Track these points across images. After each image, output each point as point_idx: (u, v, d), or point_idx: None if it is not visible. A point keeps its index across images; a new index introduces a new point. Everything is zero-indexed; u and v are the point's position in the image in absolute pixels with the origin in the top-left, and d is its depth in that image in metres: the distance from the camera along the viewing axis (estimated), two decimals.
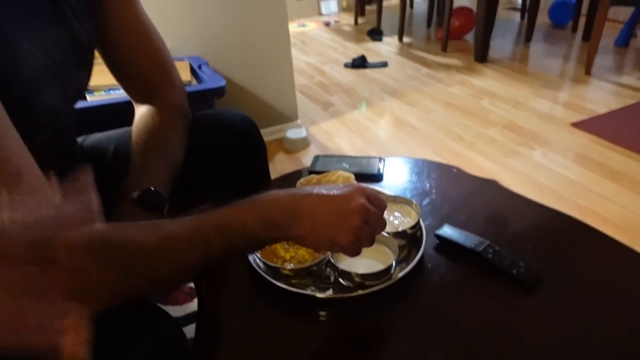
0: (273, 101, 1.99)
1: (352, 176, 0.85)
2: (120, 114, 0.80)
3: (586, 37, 3.03)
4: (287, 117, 2.06)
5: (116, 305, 0.44)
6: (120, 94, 1.32)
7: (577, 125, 2.01)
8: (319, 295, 0.66)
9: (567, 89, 2.40)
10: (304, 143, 1.99)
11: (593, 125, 1.99)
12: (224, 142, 0.84)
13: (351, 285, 0.66)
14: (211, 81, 1.45)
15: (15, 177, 0.40)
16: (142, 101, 0.77)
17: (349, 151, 1.94)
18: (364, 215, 0.54)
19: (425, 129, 2.07)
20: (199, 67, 1.59)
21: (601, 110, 2.12)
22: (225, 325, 0.65)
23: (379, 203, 0.57)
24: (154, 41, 0.75)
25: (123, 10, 0.70)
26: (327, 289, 0.67)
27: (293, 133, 1.98)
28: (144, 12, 0.74)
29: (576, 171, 1.68)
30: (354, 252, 0.56)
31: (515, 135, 1.96)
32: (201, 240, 0.50)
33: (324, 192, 0.56)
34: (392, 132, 2.07)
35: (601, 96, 2.27)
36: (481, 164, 1.76)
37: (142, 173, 0.68)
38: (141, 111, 0.76)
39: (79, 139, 0.82)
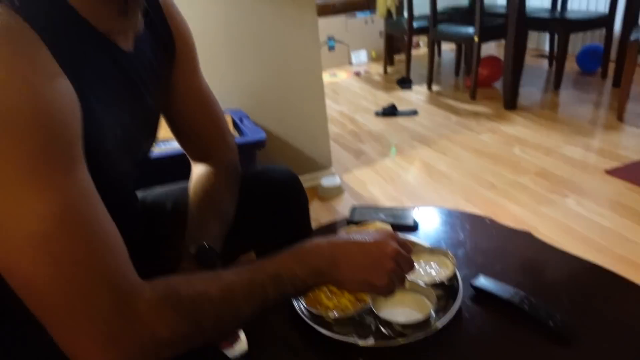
0: (308, 150, 2.08)
1: (389, 227, 0.89)
2: (172, 165, 0.89)
3: (616, 83, 3.04)
4: (322, 165, 2.14)
5: (184, 354, 0.50)
6: (171, 147, 1.42)
7: (611, 172, 2.00)
8: (361, 343, 0.69)
9: (599, 136, 2.40)
10: (337, 191, 2.05)
11: (628, 172, 1.98)
12: (270, 197, 0.90)
13: (392, 334, 0.69)
14: (252, 134, 1.55)
15: (103, 240, 0.46)
16: (199, 160, 0.85)
17: (382, 198, 1.99)
18: (396, 258, 0.61)
19: (457, 177, 2.10)
20: (240, 120, 1.70)
21: (636, 157, 2.11)
22: None
23: (407, 247, 0.64)
24: (213, 108, 0.84)
25: (188, 83, 0.79)
26: (368, 336, 0.71)
27: (327, 181, 2.05)
28: (205, 82, 0.83)
29: (612, 219, 1.67)
30: (389, 292, 0.63)
31: (548, 183, 1.97)
32: (257, 289, 0.55)
33: (360, 238, 0.63)
34: (423, 180, 2.12)
35: (635, 142, 2.26)
36: (514, 212, 1.77)
37: (199, 230, 0.74)
38: (198, 170, 0.84)
39: (140, 194, 0.90)
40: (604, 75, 3.27)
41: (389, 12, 3.68)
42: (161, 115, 0.79)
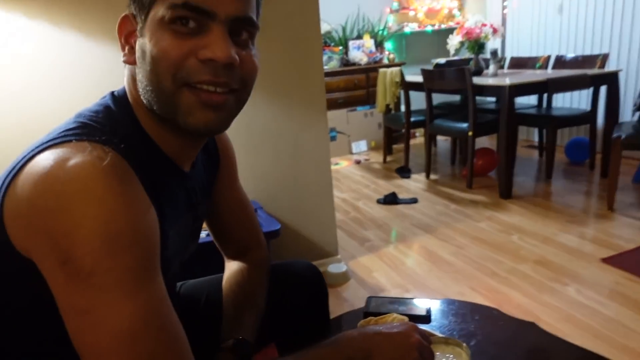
0: (316, 238, 2.18)
1: (407, 319, 0.96)
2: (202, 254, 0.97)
3: (604, 174, 3.23)
4: (328, 253, 2.22)
5: None
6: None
7: (607, 260, 2.09)
8: None
9: (592, 225, 2.52)
10: (344, 277, 2.11)
11: (623, 261, 2.07)
12: (294, 290, 0.98)
13: None
14: (267, 225, 1.65)
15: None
16: (234, 257, 0.94)
17: (387, 285, 2.04)
18: (420, 349, 0.70)
19: (459, 264, 2.18)
20: (255, 211, 1.81)
21: (629, 245, 2.21)
22: None
23: (428, 339, 0.74)
24: (249, 213, 0.95)
25: (229, 191, 0.90)
26: None
27: (334, 268, 2.12)
28: (242, 189, 0.95)
29: (612, 308, 1.73)
30: None
31: (548, 271, 2.04)
32: None
33: (386, 330, 0.71)
34: (427, 267, 2.19)
35: (627, 232, 2.37)
36: (518, 301, 1.83)
37: (235, 323, 0.82)
38: (232, 267, 0.93)
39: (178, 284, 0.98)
40: (592, 166, 3.46)
41: (387, 108, 3.96)
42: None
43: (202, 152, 0.80)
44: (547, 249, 2.26)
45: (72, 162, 0.51)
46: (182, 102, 0.58)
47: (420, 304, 1.08)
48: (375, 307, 1.10)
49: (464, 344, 0.87)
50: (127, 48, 0.62)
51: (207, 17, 0.55)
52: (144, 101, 0.61)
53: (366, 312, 1.08)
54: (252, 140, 1.98)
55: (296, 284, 0.99)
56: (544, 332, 0.98)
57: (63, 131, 0.56)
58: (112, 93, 0.66)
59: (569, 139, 3.85)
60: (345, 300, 1.94)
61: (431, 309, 1.07)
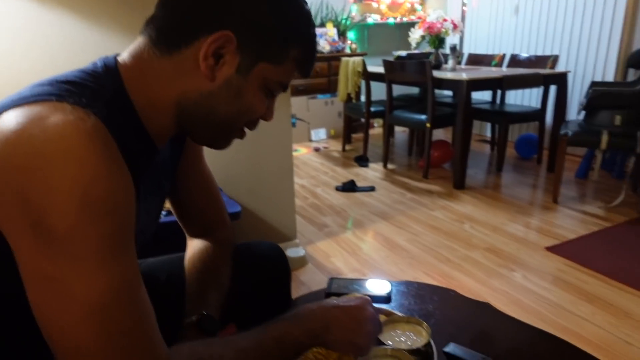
0: (275, 222, 2.17)
1: (368, 298, 0.97)
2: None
3: (550, 168, 3.40)
4: (287, 237, 2.21)
5: None
6: None
7: (551, 249, 2.21)
8: None
9: (538, 216, 2.65)
10: (302, 262, 2.12)
11: (565, 250, 2.20)
12: (257, 270, 0.97)
13: None
14: (227, 207, 1.61)
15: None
16: (197, 236, 0.92)
17: (345, 270, 2.07)
18: (373, 321, 0.73)
19: (415, 251, 2.24)
20: None
21: (571, 235, 2.35)
22: None
23: (378, 312, 0.78)
24: (214, 191, 0.92)
25: (194, 169, 0.88)
26: None
27: (292, 252, 2.12)
28: (207, 165, 0.92)
29: (555, 293, 1.83)
30: (367, 352, 0.73)
31: (497, 258, 2.14)
32: (265, 352, 0.62)
33: (343, 304, 0.73)
34: (384, 253, 2.23)
35: (569, 223, 2.52)
36: (470, 286, 1.91)
37: (199, 300, 0.80)
38: (196, 245, 0.90)
39: None
40: (539, 161, 3.64)
41: (348, 97, 3.98)
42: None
43: None
44: (497, 237, 2.36)
45: (51, 120, 0.47)
46: (230, 137, 0.69)
47: (381, 285, 1.10)
48: (336, 288, 1.11)
49: (424, 323, 0.90)
50: (209, 59, 0.59)
51: (282, 92, 0.67)
52: (192, 105, 0.61)
53: (328, 293, 1.09)
54: None
55: (260, 264, 0.98)
56: (498, 312, 1.03)
57: (38, 91, 0.52)
58: (102, 60, 0.62)
59: (518, 135, 4.02)
60: (302, 284, 1.95)
61: (391, 290, 1.09)
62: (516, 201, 2.87)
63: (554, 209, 2.72)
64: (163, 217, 1.56)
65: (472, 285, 1.91)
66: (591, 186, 3.14)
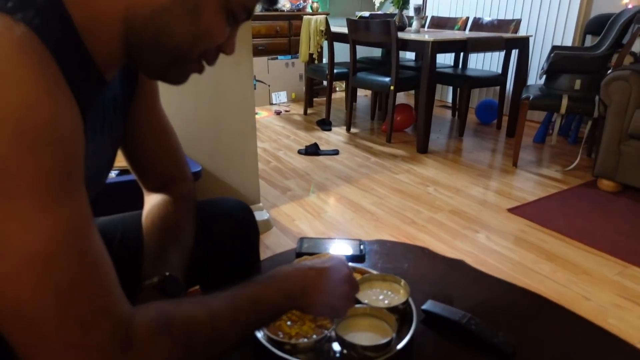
0: (237, 185, 2.07)
1: (343, 258, 0.92)
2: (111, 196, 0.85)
3: (509, 133, 3.46)
4: (250, 201, 2.13)
5: None
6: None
7: (512, 210, 2.25)
8: None
9: (499, 179, 2.69)
10: (266, 225, 2.05)
11: (526, 211, 2.24)
12: (224, 227, 0.90)
13: (355, 356, 0.71)
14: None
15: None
16: (155, 190, 0.82)
17: (310, 233, 2.02)
18: (349, 281, 0.71)
19: (380, 213, 2.22)
20: None
21: (530, 197, 2.40)
22: None
23: (353, 271, 0.76)
24: (171, 139, 0.83)
25: (149, 114, 0.77)
26: None
27: (256, 215, 2.04)
28: (163, 111, 0.82)
29: (517, 252, 1.86)
30: (344, 314, 0.72)
31: (461, 220, 2.15)
32: (241, 314, 0.56)
33: (319, 265, 0.69)
34: (349, 216, 2.20)
35: (528, 185, 2.57)
36: (435, 247, 1.91)
37: (160, 260, 0.72)
38: (154, 200, 0.81)
39: None
40: (499, 126, 3.69)
41: (311, 57, 3.86)
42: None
43: None
44: (460, 200, 2.38)
45: None
46: (185, 69, 0.58)
47: (353, 244, 1.06)
48: (307, 248, 1.05)
49: (402, 280, 0.86)
50: None
51: (245, 19, 0.56)
52: (141, 23, 0.50)
53: (298, 253, 1.03)
54: None
55: (225, 222, 0.91)
56: (472, 268, 1.00)
57: None
58: None
59: (479, 101, 4.05)
60: (267, 248, 1.89)
61: (364, 249, 1.04)
62: (478, 165, 2.90)
63: (514, 173, 2.77)
64: (116, 177, 1.45)
65: (437, 246, 1.91)
66: (548, 151, 3.21)
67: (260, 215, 2.05)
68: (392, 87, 3.12)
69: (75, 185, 0.43)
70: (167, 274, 0.69)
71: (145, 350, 0.45)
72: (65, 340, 0.40)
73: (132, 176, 0.85)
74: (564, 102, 2.59)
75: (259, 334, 0.75)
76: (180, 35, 0.52)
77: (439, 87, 4.69)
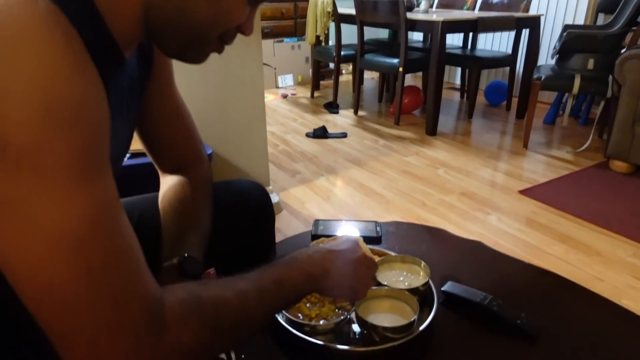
0: (247, 168, 2.06)
1: (359, 239, 0.91)
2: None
3: (519, 115, 3.41)
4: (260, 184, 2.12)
5: None
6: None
7: (523, 192, 2.22)
8: (360, 349, 0.70)
9: (509, 161, 2.66)
10: (276, 208, 2.04)
11: (537, 193, 2.22)
12: (239, 209, 0.89)
13: (376, 338, 0.71)
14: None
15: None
16: (171, 172, 0.81)
17: (320, 216, 2.01)
18: (367, 263, 0.70)
19: (390, 196, 2.21)
20: None
21: (542, 179, 2.37)
22: None
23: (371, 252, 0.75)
24: (187, 120, 0.81)
25: (164, 95, 0.76)
26: (349, 344, 0.72)
27: None
28: (178, 92, 0.80)
29: (530, 234, 1.85)
30: (364, 296, 0.71)
31: (472, 202, 2.13)
32: (266, 295, 0.56)
33: (336, 247, 0.69)
34: (359, 199, 2.19)
35: (539, 167, 2.54)
36: (446, 229, 1.89)
37: (178, 242, 0.71)
38: (170, 181, 0.80)
39: None
40: (508, 108, 3.64)
41: (317, 40, 3.80)
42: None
43: None
44: (470, 182, 2.36)
45: None
46: (204, 48, 0.55)
47: (371, 225, 1.04)
48: (323, 230, 1.04)
49: (422, 262, 0.85)
50: None
51: None
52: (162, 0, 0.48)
53: (314, 235, 1.02)
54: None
55: (241, 204, 0.90)
56: (491, 249, 0.99)
57: None
58: None
59: (487, 83, 4.00)
60: (278, 231, 1.86)
61: (381, 230, 1.03)
62: (487, 147, 2.87)
63: (524, 154, 2.74)
64: (128, 160, 1.44)
65: (449, 228, 1.89)
66: (559, 132, 3.17)
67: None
68: (400, 69, 3.07)
69: (104, 165, 0.42)
70: (186, 255, 0.69)
71: (178, 330, 0.44)
72: (99, 321, 0.40)
73: (145, 159, 0.84)
74: (577, 82, 2.54)
75: (279, 316, 0.75)
76: (201, 14, 0.50)
77: (447, 68, 4.62)
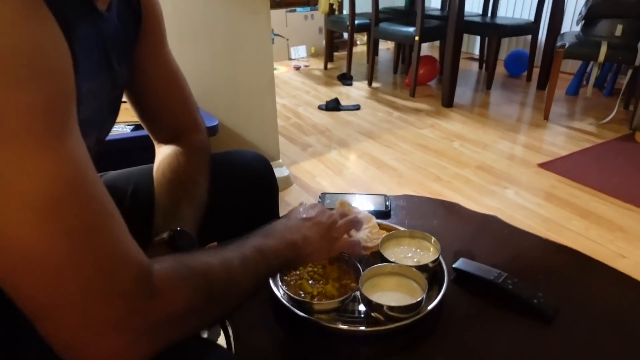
0: (256, 141, 2.02)
1: (373, 218, 0.86)
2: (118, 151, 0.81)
3: (540, 86, 3.28)
4: (270, 157, 2.08)
5: (197, 334, 0.47)
6: (117, 132, 1.32)
7: (542, 166, 2.14)
8: (361, 328, 0.66)
9: (529, 133, 2.56)
10: (286, 182, 2.00)
11: (557, 166, 2.13)
12: (241, 181, 0.85)
13: (381, 318, 0.67)
14: (204, 120, 1.46)
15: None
16: (166, 141, 0.77)
17: (331, 189, 1.97)
18: (335, 225, 0.73)
19: (403, 169, 2.15)
20: None
21: (562, 152, 2.28)
22: None
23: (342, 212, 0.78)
24: (182, 85, 0.77)
25: (155, 57, 0.72)
26: (354, 323, 0.68)
27: (276, 172, 1.99)
28: (173, 58, 0.76)
29: (548, 209, 1.78)
30: (340, 248, 0.73)
31: (488, 176, 2.06)
32: (250, 262, 0.56)
33: (310, 215, 0.72)
34: (371, 172, 2.13)
35: (560, 140, 2.44)
36: (462, 203, 1.83)
37: (171, 215, 0.68)
38: (165, 151, 0.76)
39: None
40: (529, 78, 3.50)
41: (331, 9, 3.69)
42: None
43: None
44: (487, 155, 2.28)
45: None
46: None
47: (379, 199, 1.00)
48: (329, 204, 1.00)
49: (432, 237, 0.80)
50: None
51: None
52: None
53: None
54: (186, 30, 1.71)
55: (242, 175, 0.86)
56: (506, 224, 0.94)
57: None
58: None
59: (508, 52, 3.84)
60: (288, 205, 1.85)
61: (390, 204, 0.98)
62: (506, 119, 2.77)
63: (545, 126, 2.64)
64: (131, 132, 1.40)
65: (464, 203, 1.81)
66: (582, 103, 3.04)
67: (280, 172, 2.00)
68: (416, 38, 2.96)
69: (70, 123, 0.38)
70: (178, 228, 0.65)
71: (169, 296, 0.42)
72: (86, 288, 0.37)
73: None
74: (603, 49, 2.41)
75: (279, 293, 0.71)
76: None
77: (465, 38, 4.46)
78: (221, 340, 0.83)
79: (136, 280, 0.40)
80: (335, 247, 0.72)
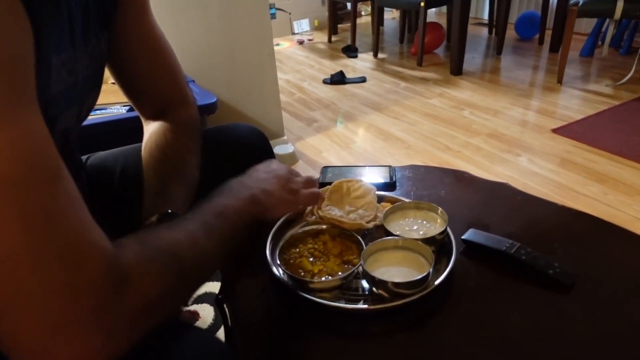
0: (259, 117, 1.97)
1: (374, 189, 0.81)
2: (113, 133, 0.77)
3: (553, 48, 3.15)
4: (274, 134, 2.03)
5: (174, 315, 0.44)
6: (106, 113, 1.28)
7: (557, 131, 2.06)
8: (364, 306, 0.63)
9: (542, 98, 2.47)
10: (292, 159, 1.96)
11: (572, 131, 2.05)
12: (236, 156, 0.81)
13: (386, 295, 0.63)
14: (202, 98, 1.41)
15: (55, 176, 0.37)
16: (154, 118, 0.73)
17: (338, 164, 1.93)
18: (293, 177, 0.70)
19: (412, 140, 2.08)
20: None
21: (577, 116, 2.19)
22: (257, 346, 0.61)
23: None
24: (168, 56, 0.72)
25: (138, 27, 0.67)
26: (358, 301, 0.64)
27: (281, 149, 1.96)
28: (158, 27, 0.71)
29: (563, 175, 1.72)
30: (301, 202, 0.71)
31: (500, 143, 1.99)
32: (213, 228, 0.52)
33: (264, 168, 0.68)
34: (379, 145, 2.08)
35: (575, 103, 2.35)
36: (472, 172, 1.77)
37: (160, 196, 0.64)
38: (153, 128, 0.72)
39: (82, 158, 0.77)
40: (541, 41, 3.38)
41: None
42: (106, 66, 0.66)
43: None
44: (499, 122, 2.20)
45: None
46: None
47: (383, 171, 0.95)
48: (331, 178, 0.95)
49: (439, 208, 0.75)
50: None
51: None
52: None
53: (322, 183, 0.94)
54: (179, 2, 1.65)
55: (236, 151, 0.81)
56: (518, 191, 0.89)
57: None
58: None
59: (518, 15, 3.70)
60: None
61: (395, 176, 0.94)
62: (518, 84, 2.67)
63: (559, 90, 2.54)
64: (127, 112, 1.36)
65: (475, 172, 1.75)
66: (597, 64, 2.92)
67: (285, 149, 1.96)
68: (422, 4, 2.85)
69: (32, 99, 0.35)
70: (169, 211, 0.61)
71: (139, 282, 0.38)
72: (47, 283, 0.33)
73: None
74: (619, 5, 2.29)
75: (279, 272, 0.68)
76: None
77: (473, 1, 4.30)
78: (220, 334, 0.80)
79: (105, 272, 0.35)
80: (297, 199, 0.69)
